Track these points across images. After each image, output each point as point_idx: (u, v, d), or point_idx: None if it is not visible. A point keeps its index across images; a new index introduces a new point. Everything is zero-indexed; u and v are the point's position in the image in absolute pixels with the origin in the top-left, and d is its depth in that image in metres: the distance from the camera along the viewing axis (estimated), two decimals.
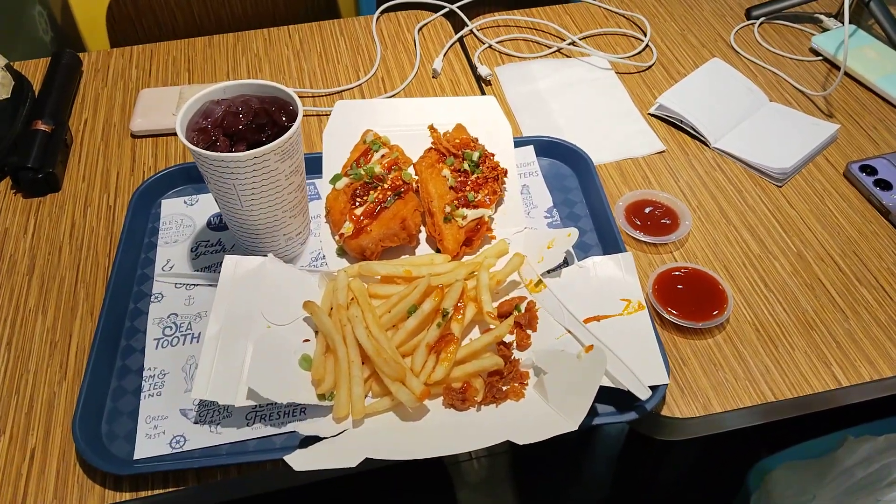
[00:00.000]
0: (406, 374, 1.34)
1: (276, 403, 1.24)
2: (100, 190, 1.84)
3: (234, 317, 1.43)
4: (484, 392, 1.36)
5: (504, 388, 1.39)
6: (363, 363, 1.29)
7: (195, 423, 1.36)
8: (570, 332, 1.44)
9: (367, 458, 1.22)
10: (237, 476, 1.30)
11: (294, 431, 1.21)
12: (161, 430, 1.35)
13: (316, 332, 1.34)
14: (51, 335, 1.51)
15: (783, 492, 1.88)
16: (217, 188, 1.46)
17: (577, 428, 1.24)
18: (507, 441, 1.23)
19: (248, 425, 1.25)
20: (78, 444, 1.27)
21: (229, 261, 1.50)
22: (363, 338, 1.37)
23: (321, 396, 1.37)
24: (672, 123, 1.81)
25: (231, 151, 1.22)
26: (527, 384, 1.40)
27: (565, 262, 1.46)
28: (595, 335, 1.40)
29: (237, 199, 1.44)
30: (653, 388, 1.33)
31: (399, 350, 1.41)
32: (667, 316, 1.50)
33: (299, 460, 1.12)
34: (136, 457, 1.30)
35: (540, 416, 1.31)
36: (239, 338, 1.40)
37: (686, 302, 1.54)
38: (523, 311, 1.48)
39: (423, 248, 1.56)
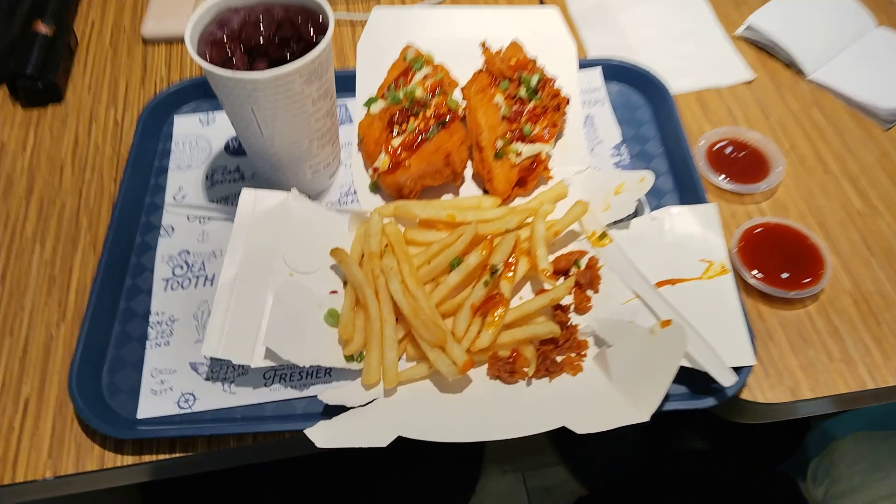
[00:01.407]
0: (447, 340, 1.15)
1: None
2: (106, 103, 1.63)
3: (252, 261, 1.24)
4: (536, 363, 1.17)
5: (559, 360, 1.20)
6: (397, 321, 1.17)
7: (206, 379, 1.20)
8: (639, 296, 1.23)
9: (398, 437, 1.05)
10: (252, 444, 1.14)
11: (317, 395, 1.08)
12: (168, 387, 1.19)
13: (344, 283, 1.24)
14: (49, 269, 1.34)
15: (852, 465, 1.70)
16: (233, 112, 1.24)
17: (648, 419, 1.04)
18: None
19: (265, 385, 1.15)
20: (75, 402, 1.12)
21: (247, 195, 1.30)
22: (398, 294, 1.18)
23: (349, 358, 1.20)
24: (763, 48, 1.52)
25: (249, 69, 1.00)
26: (585, 355, 1.21)
27: (635, 213, 1.29)
28: (669, 303, 1.20)
29: (256, 126, 1.22)
30: (736, 369, 1.12)
31: (439, 309, 1.22)
32: (752, 282, 1.28)
33: (322, 436, 1.02)
34: (139, 415, 1.16)
35: (601, 397, 1.13)
36: (257, 286, 1.22)
37: (775, 265, 1.32)
38: (583, 267, 1.30)
39: (469, 188, 1.41)
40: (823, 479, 1.80)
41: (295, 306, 1.16)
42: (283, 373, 1.16)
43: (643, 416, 1.06)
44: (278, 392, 1.13)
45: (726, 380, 1.10)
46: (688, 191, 1.40)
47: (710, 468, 2.18)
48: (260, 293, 1.16)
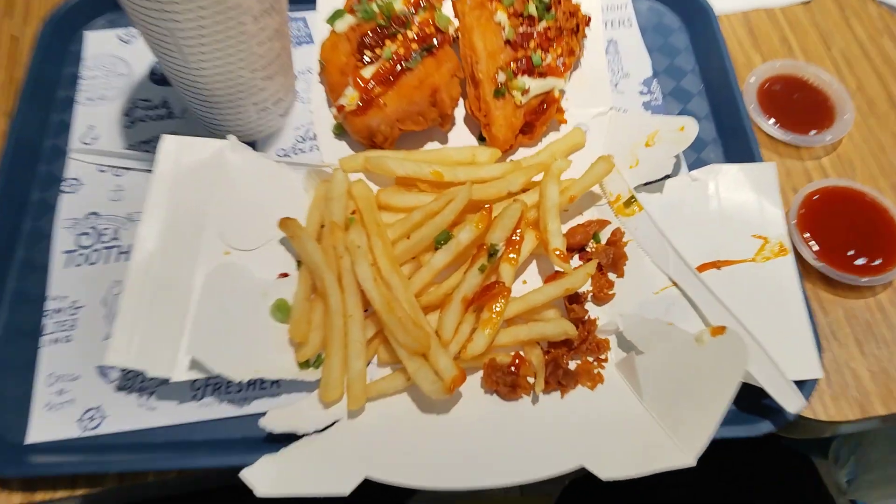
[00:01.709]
0: (430, 345, 0.87)
1: None
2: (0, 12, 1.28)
3: (175, 234, 0.96)
4: (545, 372, 0.93)
5: (573, 366, 0.97)
6: (366, 315, 0.95)
7: (119, 389, 0.94)
8: (675, 284, 0.97)
9: (366, 480, 0.83)
10: (177, 477, 0.88)
11: (264, 410, 0.91)
12: (69, 398, 0.93)
13: (298, 265, 1.02)
14: None
15: (889, 454, 1.50)
16: (149, 34, 0.91)
17: (694, 463, 0.81)
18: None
19: (194, 399, 0.94)
20: None
21: (169, 144, 0.99)
22: (368, 281, 0.90)
23: (303, 364, 0.93)
24: None
25: None
26: (606, 360, 0.98)
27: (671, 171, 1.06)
28: (715, 294, 0.97)
29: (178, 51, 0.90)
30: (798, 383, 0.87)
31: (420, 301, 0.97)
32: (815, 264, 1.02)
33: (265, 479, 0.82)
34: (29, 439, 0.89)
35: (630, 425, 0.90)
36: (182, 269, 0.94)
37: (840, 241, 1.06)
38: (604, 243, 1.06)
39: (461, 136, 1.16)
40: (847, 461, 1.60)
41: (231, 297, 0.94)
42: (217, 383, 0.95)
43: (686, 457, 0.82)
44: (211, 408, 0.93)
45: (792, 404, 0.86)
46: (735, 142, 1.14)
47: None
48: (185, 278, 0.94)
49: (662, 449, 0.84)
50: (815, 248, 1.05)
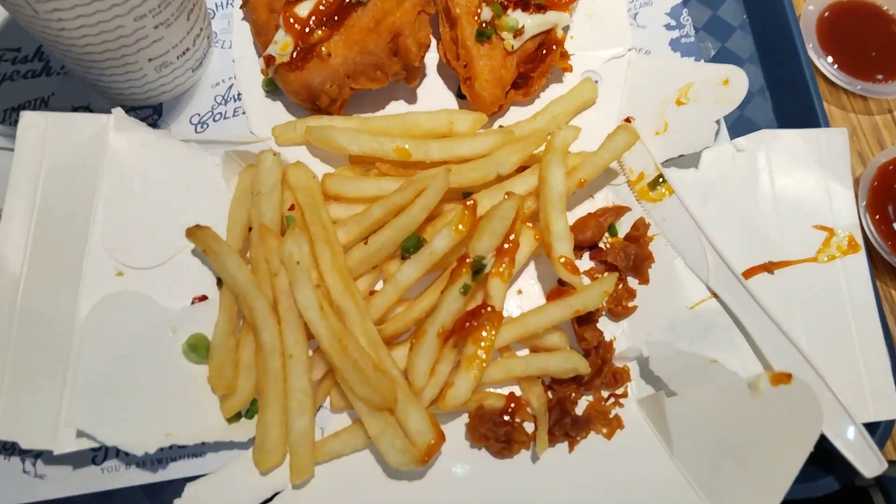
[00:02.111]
0: (397, 397, 0.65)
1: None
2: None
3: (46, 247, 0.76)
4: (549, 420, 0.75)
5: (583, 407, 0.78)
6: (312, 349, 0.76)
7: None
8: (716, 296, 0.79)
9: None
10: None
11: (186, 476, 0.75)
12: None
13: (219, 283, 0.80)
14: None
15: None
16: None
17: None
18: None
19: (94, 462, 0.76)
20: None
21: (32, 122, 0.76)
22: (311, 311, 0.73)
23: (233, 418, 0.76)
24: None
25: None
26: (625, 395, 0.79)
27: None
28: (769, 312, 0.77)
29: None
30: (870, 426, 0.68)
31: (383, 330, 0.78)
32: (891, 259, 0.79)
33: None
34: None
35: (659, 492, 0.72)
36: (57, 299, 0.77)
37: None
38: (623, 237, 0.85)
39: (433, 93, 0.93)
40: None
41: (127, 337, 0.75)
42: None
43: None
44: (116, 475, 0.76)
45: (870, 466, 0.66)
46: (790, 93, 0.92)
47: None
48: (63, 312, 0.74)
49: None
50: (889, 236, 0.82)
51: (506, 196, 0.74)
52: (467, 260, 0.73)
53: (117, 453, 0.76)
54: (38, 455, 0.74)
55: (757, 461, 0.67)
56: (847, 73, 0.93)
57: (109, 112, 0.78)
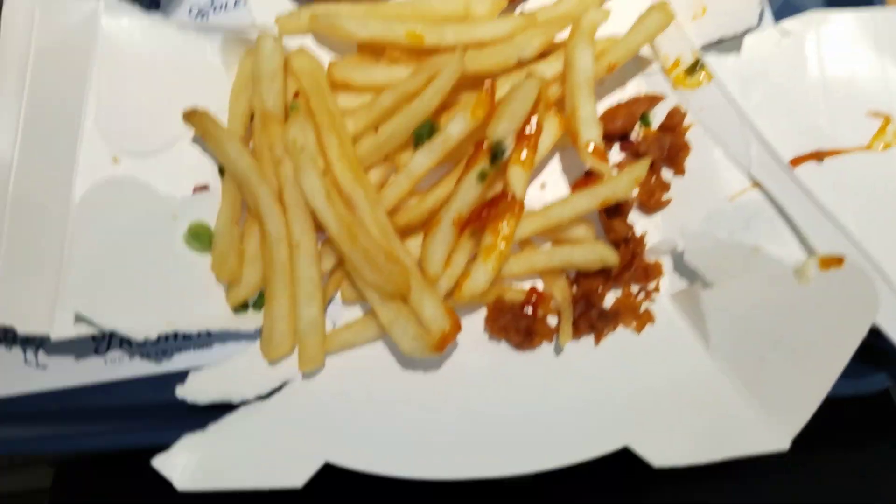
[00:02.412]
0: (411, 285, 0.61)
1: None
2: None
3: (38, 132, 0.74)
4: (573, 312, 0.71)
5: (610, 303, 0.73)
6: (321, 240, 0.73)
7: None
8: (759, 185, 0.75)
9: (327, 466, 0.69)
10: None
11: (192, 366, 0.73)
12: None
13: (221, 172, 0.75)
14: None
15: None
16: None
17: (787, 447, 0.62)
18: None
19: (96, 353, 0.74)
20: None
21: (19, 2, 0.73)
22: (318, 198, 0.69)
23: (239, 308, 0.73)
24: None
25: None
26: (657, 291, 0.74)
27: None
28: (817, 199, 0.72)
29: None
30: None
31: (395, 221, 0.74)
32: None
33: (187, 468, 0.65)
34: None
35: (692, 388, 0.68)
36: (51, 184, 0.77)
37: None
38: (657, 128, 0.79)
39: None
40: None
41: (125, 223, 0.72)
42: None
43: (777, 438, 0.62)
44: (119, 366, 0.75)
45: None
46: None
47: None
48: (58, 198, 0.72)
49: (740, 424, 0.64)
50: None
51: (526, 76, 0.69)
52: (485, 144, 0.68)
53: (120, 343, 0.73)
54: (39, 345, 0.74)
55: (802, 353, 0.63)
56: None
57: None
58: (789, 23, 0.79)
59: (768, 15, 0.85)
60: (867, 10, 0.78)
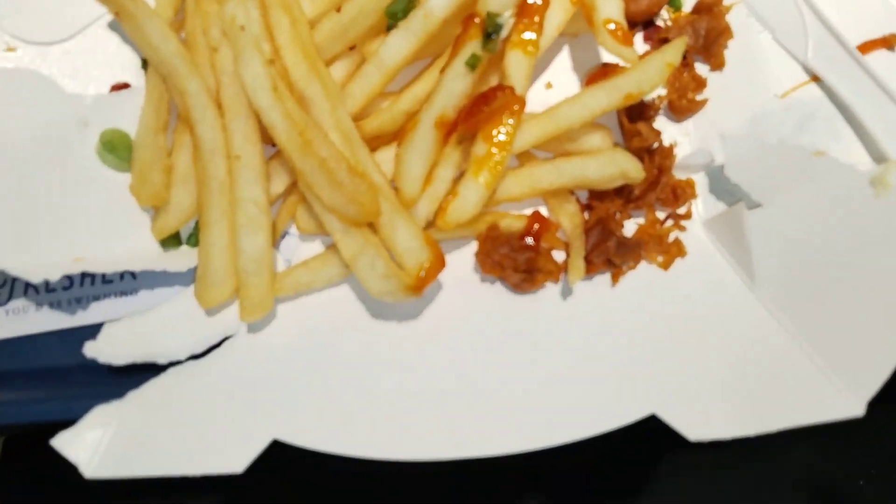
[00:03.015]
0: (380, 209, 0.48)
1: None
2: None
3: None
4: (585, 243, 0.59)
5: (631, 231, 0.63)
6: (271, 153, 0.61)
7: None
8: (818, 78, 0.63)
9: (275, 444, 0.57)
10: None
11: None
12: None
13: (144, 65, 0.64)
14: None
15: None
16: None
17: (862, 412, 0.52)
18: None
19: None
20: None
21: None
22: (263, 94, 0.56)
23: (168, 241, 0.61)
24: None
25: None
26: (689, 217, 0.62)
27: None
28: (888, 90, 0.61)
29: None
30: None
31: (363, 127, 0.61)
32: None
33: (96, 451, 0.53)
34: None
35: (735, 339, 0.57)
36: None
37: None
38: (690, 11, 0.68)
39: None
40: None
41: (21, 129, 0.60)
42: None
43: (850, 403, 0.52)
44: (23, 318, 0.62)
45: None
46: None
47: None
48: None
49: (800, 386, 0.53)
50: None
51: None
52: (476, 19, 0.54)
53: (25, 290, 0.62)
54: None
55: (875, 290, 0.52)
56: None
57: None
58: None
59: None
60: None
